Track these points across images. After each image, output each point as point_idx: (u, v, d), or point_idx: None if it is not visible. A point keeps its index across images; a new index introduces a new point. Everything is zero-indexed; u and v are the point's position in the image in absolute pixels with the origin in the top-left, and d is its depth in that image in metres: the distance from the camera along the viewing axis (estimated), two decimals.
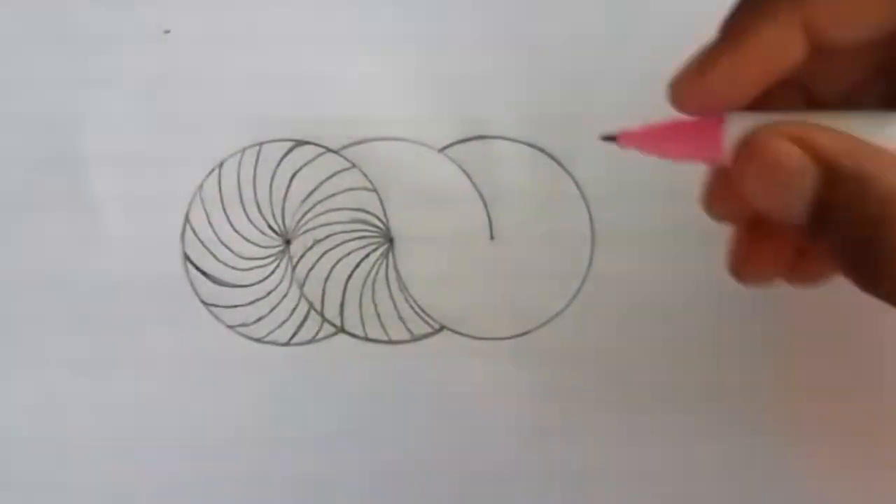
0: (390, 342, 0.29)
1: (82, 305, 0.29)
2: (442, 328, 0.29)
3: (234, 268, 0.29)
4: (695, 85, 0.21)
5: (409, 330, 0.29)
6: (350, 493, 0.29)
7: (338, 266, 0.30)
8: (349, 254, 0.30)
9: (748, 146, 0.20)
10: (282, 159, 0.30)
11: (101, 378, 0.29)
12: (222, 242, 0.29)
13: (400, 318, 0.29)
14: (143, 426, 0.29)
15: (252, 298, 0.29)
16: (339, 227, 0.30)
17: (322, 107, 0.30)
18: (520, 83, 0.30)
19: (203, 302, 0.29)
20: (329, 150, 0.30)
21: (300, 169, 0.30)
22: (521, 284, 0.29)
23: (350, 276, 0.30)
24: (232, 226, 0.30)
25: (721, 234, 0.26)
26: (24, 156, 0.29)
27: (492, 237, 0.30)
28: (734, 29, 0.21)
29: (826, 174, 0.20)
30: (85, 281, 0.29)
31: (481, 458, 0.29)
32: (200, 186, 0.30)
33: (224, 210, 0.30)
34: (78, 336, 0.29)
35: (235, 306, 0.29)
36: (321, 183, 0.30)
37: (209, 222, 0.29)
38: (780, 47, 0.20)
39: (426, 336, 0.29)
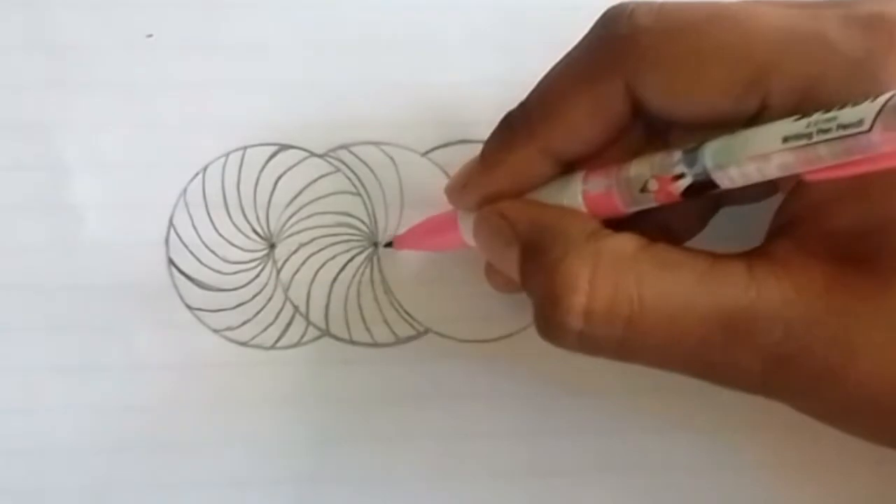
0: (375, 345, 0.29)
1: (66, 310, 0.29)
2: (427, 331, 0.30)
3: (218, 272, 0.29)
4: (458, 195, 0.26)
5: (394, 333, 0.29)
6: (336, 497, 0.29)
7: (322, 269, 0.30)
8: (334, 257, 0.30)
9: (475, 225, 0.25)
10: (266, 163, 0.30)
11: (85, 383, 0.28)
12: (207, 246, 0.29)
13: (385, 321, 0.29)
14: (128, 430, 0.28)
15: (237, 302, 0.29)
16: (323, 231, 0.30)
17: (306, 110, 0.30)
18: (502, 88, 0.30)
19: (188, 306, 0.29)
20: (313, 153, 0.30)
21: (284, 173, 0.30)
22: None
23: (335, 280, 0.30)
24: (216, 230, 0.29)
25: (701, 237, 0.26)
26: (5, 161, 0.29)
27: None
28: (489, 155, 0.25)
29: (521, 244, 0.24)
30: (68, 286, 0.29)
31: (467, 460, 0.29)
32: (184, 190, 0.30)
33: (208, 214, 0.29)
34: (62, 341, 0.29)
35: (220, 310, 0.29)
36: (306, 187, 0.30)
37: (193, 226, 0.29)
38: (521, 170, 0.25)
39: (411, 339, 0.29)
